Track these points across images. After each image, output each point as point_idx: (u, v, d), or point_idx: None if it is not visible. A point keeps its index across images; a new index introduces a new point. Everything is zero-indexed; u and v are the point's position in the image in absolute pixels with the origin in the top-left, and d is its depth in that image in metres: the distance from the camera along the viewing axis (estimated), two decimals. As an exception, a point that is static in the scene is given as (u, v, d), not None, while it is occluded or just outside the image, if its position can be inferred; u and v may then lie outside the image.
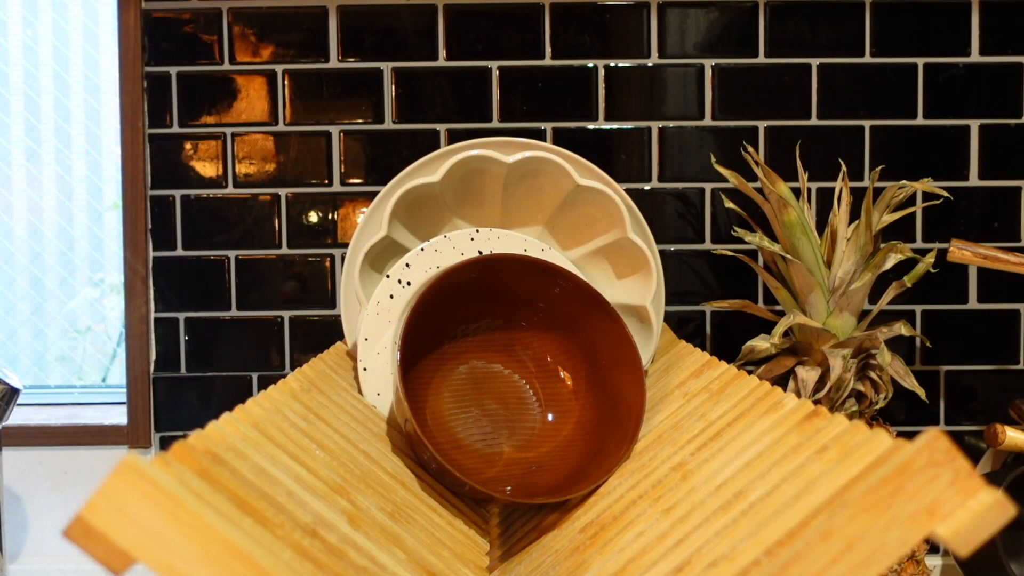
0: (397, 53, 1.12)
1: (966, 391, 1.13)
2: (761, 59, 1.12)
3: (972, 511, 0.40)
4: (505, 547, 0.75)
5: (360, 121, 1.13)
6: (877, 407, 0.94)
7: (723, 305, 1.00)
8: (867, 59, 1.12)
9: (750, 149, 1.01)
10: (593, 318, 0.80)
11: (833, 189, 1.03)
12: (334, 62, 1.12)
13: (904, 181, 0.98)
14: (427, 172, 0.87)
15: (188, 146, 1.13)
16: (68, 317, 1.58)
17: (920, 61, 1.11)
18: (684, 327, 1.13)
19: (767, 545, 0.44)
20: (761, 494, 0.52)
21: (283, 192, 1.13)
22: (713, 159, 1.02)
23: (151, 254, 1.13)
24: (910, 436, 0.43)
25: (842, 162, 1.01)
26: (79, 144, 1.53)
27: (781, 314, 0.96)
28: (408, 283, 0.85)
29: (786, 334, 0.95)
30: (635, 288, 0.89)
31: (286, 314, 1.13)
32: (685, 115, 1.12)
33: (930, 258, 0.95)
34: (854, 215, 0.95)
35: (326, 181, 1.13)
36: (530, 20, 1.12)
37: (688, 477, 0.62)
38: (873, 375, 0.94)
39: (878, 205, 0.94)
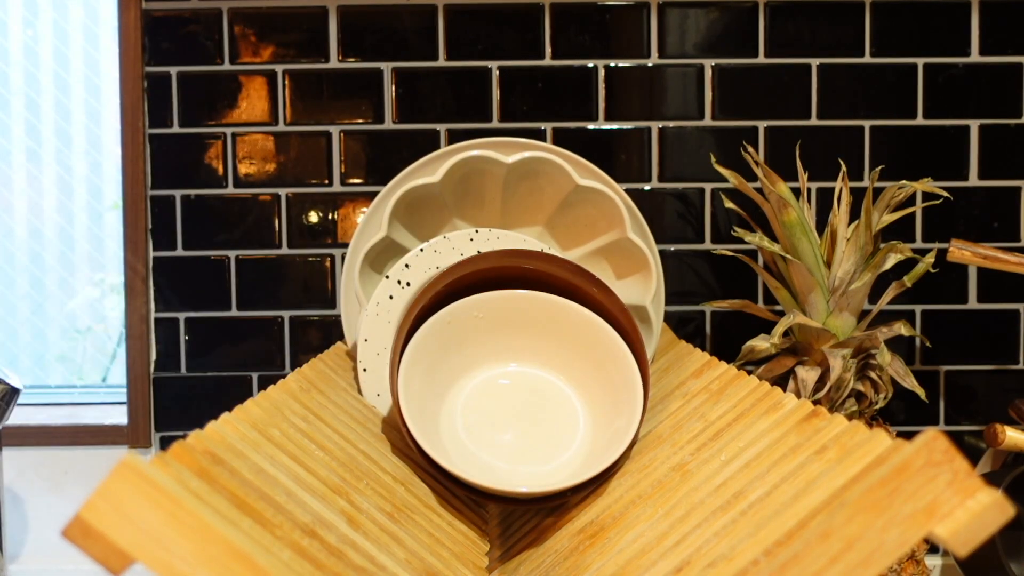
0: (397, 53, 1.12)
1: (966, 391, 1.13)
2: (761, 59, 1.12)
3: (971, 511, 0.40)
4: (505, 547, 0.75)
5: (360, 121, 1.13)
6: (877, 407, 0.94)
7: (723, 305, 1.00)
8: (867, 59, 1.12)
9: (750, 149, 1.01)
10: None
11: (833, 189, 1.02)
12: (334, 62, 1.12)
13: (904, 181, 0.98)
14: (427, 172, 0.87)
15: (188, 146, 1.13)
16: (68, 317, 1.58)
17: (920, 61, 1.11)
18: (684, 327, 1.13)
19: (766, 545, 0.44)
20: (760, 494, 0.52)
21: (283, 192, 1.13)
22: (713, 159, 1.02)
23: (151, 254, 1.13)
24: (910, 436, 0.43)
25: (842, 162, 1.01)
26: (79, 144, 1.53)
27: (781, 314, 0.96)
28: (407, 284, 0.85)
29: (786, 334, 0.95)
30: (635, 288, 0.89)
31: (286, 314, 1.13)
32: (685, 115, 1.12)
33: (930, 258, 0.95)
34: (854, 215, 0.95)
35: (326, 181, 1.13)
36: (530, 20, 1.12)
37: (688, 477, 0.62)
38: (873, 375, 0.94)
39: (878, 205, 0.94)
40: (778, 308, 1.10)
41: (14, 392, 1.04)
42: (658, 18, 1.12)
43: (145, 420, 1.13)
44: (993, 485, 0.41)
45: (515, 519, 0.79)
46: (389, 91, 1.12)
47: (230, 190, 1.13)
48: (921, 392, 0.93)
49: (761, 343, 0.94)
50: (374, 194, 0.98)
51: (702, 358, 0.79)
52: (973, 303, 1.13)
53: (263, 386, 1.11)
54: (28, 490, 1.15)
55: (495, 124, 1.12)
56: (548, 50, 1.12)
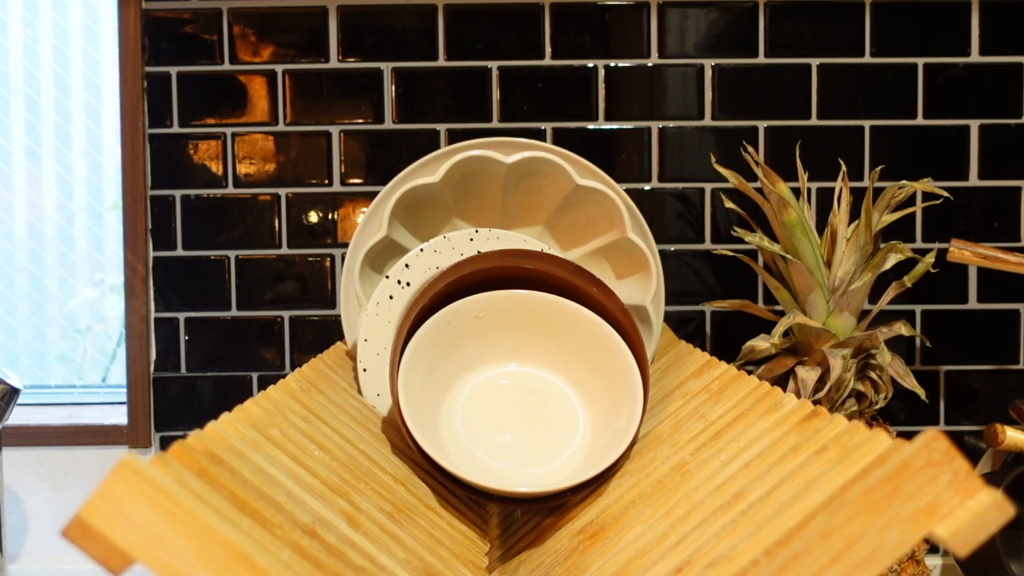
0: (397, 53, 1.12)
1: (966, 391, 1.13)
2: (761, 59, 1.12)
3: (971, 511, 0.40)
4: (505, 547, 0.75)
5: (360, 121, 1.13)
6: (877, 407, 0.94)
7: (723, 305, 1.00)
8: (867, 59, 1.12)
9: (750, 149, 1.01)
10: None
11: (833, 189, 1.03)
12: (334, 62, 1.12)
13: (904, 181, 0.98)
14: (427, 172, 0.87)
15: (188, 146, 1.13)
16: (68, 317, 1.58)
17: (920, 61, 1.11)
18: (684, 327, 1.13)
19: (766, 545, 0.44)
20: (760, 494, 0.52)
21: (283, 192, 1.13)
22: (713, 159, 1.02)
23: (151, 254, 1.13)
24: (910, 436, 0.43)
25: (842, 162, 1.01)
26: (79, 144, 1.53)
27: (781, 314, 0.96)
28: (407, 284, 0.85)
29: (786, 334, 0.95)
30: (635, 288, 0.89)
31: (286, 314, 1.13)
32: (685, 115, 1.12)
33: (930, 258, 0.95)
34: (854, 215, 0.95)
35: (326, 181, 1.13)
36: (530, 20, 1.12)
37: (688, 477, 0.62)
38: (873, 375, 0.94)
39: (878, 205, 0.94)
40: (778, 308, 1.10)
41: (14, 392, 1.04)
42: (658, 18, 1.12)
43: (145, 420, 1.13)
44: (993, 485, 0.41)
45: (515, 519, 0.79)
46: (389, 91, 1.12)
47: (230, 190, 1.13)
48: (921, 392, 0.93)
49: (761, 343, 0.94)
50: (374, 194, 0.98)
51: (702, 358, 0.79)
52: (973, 303, 1.13)
53: (263, 386, 1.11)
54: (28, 490, 1.15)
55: (495, 124, 1.12)
56: (548, 50, 1.12)
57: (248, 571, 0.41)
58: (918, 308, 1.13)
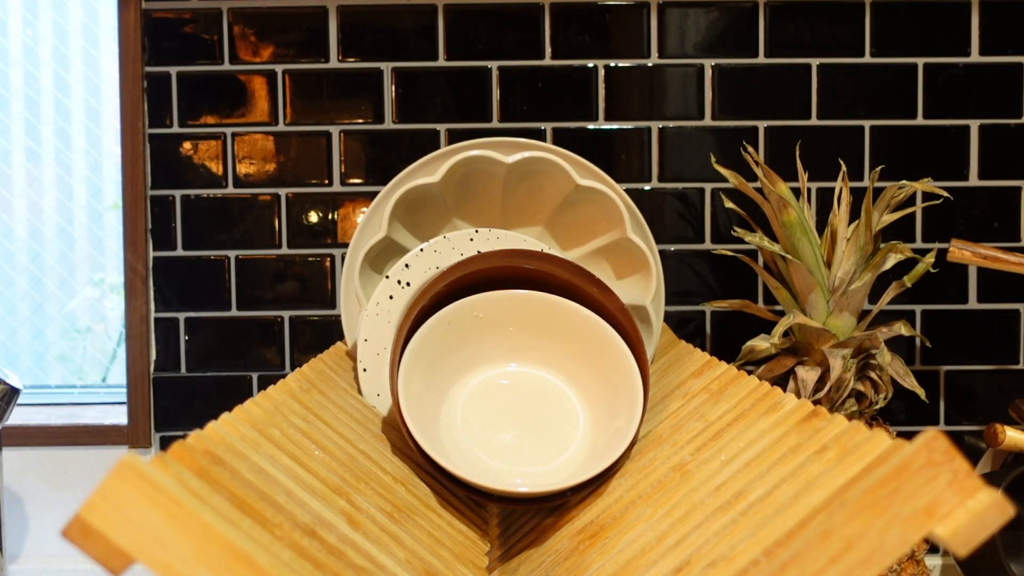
0: (397, 53, 1.12)
1: (966, 391, 1.13)
2: (761, 59, 1.12)
3: (971, 511, 0.40)
4: (505, 547, 0.75)
5: (360, 121, 1.13)
6: (877, 407, 0.94)
7: (723, 305, 1.00)
8: (867, 59, 1.12)
9: (750, 149, 1.01)
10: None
11: (833, 189, 1.03)
12: (334, 62, 1.12)
13: (904, 181, 0.98)
14: (427, 172, 0.87)
15: (188, 146, 1.13)
16: (68, 317, 1.58)
17: (920, 61, 1.11)
18: (684, 327, 1.13)
19: (766, 545, 0.44)
20: (760, 494, 0.52)
21: (283, 192, 1.13)
22: (713, 159, 1.02)
23: (151, 254, 1.13)
24: (910, 436, 0.43)
25: (842, 162, 1.01)
26: (79, 144, 1.53)
27: (781, 314, 0.96)
28: (407, 284, 0.85)
29: (786, 334, 0.95)
30: (635, 288, 0.89)
31: (286, 314, 1.13)
32: (685, 115, 1.12)
33: (930, 258, 0.95)
34: (854, 215, 0.95)
35: (326, 181, 1.13)
36: (530, 20, 1.12)
37: (688, 477, 0.62)
38: (873, 375, 0.94)
39: (878, 205, 0.94)
40: (778, 308, 1.10)
41: (14, 392, 1.04)
42: (658, 18, 1.12)
43: (145, 420, 1.13)
44: (993, 485, 0.41)
45: (515, 519, 0.79)
46: (389, 91, 1.12)
47: (230, 190, 1.13)
48: (921, 392, 0.93)
49: (761, 343, 0.94)
50: (374, 194, 0.98)
51: (702, 358, 0.79)
52: (973, 303, 1.13)
53: (263, 386, 1.11)
54: (28, 490, 1.15)
55: (495, 124, 1.12)
56: (548, 50, 1.12)
57: (248, 571, 0.41)
58: (918, 308, 1.13)
